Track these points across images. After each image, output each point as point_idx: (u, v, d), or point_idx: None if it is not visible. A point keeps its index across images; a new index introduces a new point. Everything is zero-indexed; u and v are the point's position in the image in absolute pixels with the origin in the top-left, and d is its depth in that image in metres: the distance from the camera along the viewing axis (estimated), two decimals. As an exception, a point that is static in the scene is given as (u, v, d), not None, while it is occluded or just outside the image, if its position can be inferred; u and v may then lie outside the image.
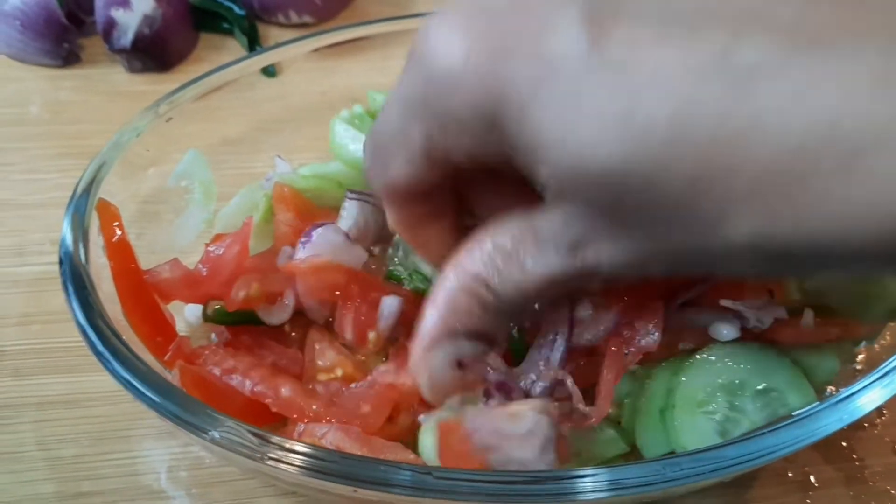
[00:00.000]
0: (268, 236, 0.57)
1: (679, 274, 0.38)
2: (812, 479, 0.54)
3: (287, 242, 0.53)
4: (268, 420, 0.46)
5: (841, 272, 0.32)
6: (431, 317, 0.38)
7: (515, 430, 0.39)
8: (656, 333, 0.43)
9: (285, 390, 0.44)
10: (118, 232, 0.50)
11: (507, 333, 0.42)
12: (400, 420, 0.46)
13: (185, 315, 0.54)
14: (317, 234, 0.50)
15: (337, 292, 0.49)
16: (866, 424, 0.57)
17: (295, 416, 0.44)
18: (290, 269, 0.49)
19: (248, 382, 0.45)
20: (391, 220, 0.44)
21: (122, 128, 0.57)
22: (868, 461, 0.55)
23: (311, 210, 0.57)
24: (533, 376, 0.43)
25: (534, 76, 0.31)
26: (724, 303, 0.45)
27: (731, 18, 0.28)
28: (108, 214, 0.50)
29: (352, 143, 0.58)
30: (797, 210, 0.27)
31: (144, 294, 0.50)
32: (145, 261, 0.57)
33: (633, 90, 0.29)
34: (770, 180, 0.27)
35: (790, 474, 0.54)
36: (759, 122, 0.27)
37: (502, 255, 0.36)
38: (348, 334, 0.48)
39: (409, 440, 0.45)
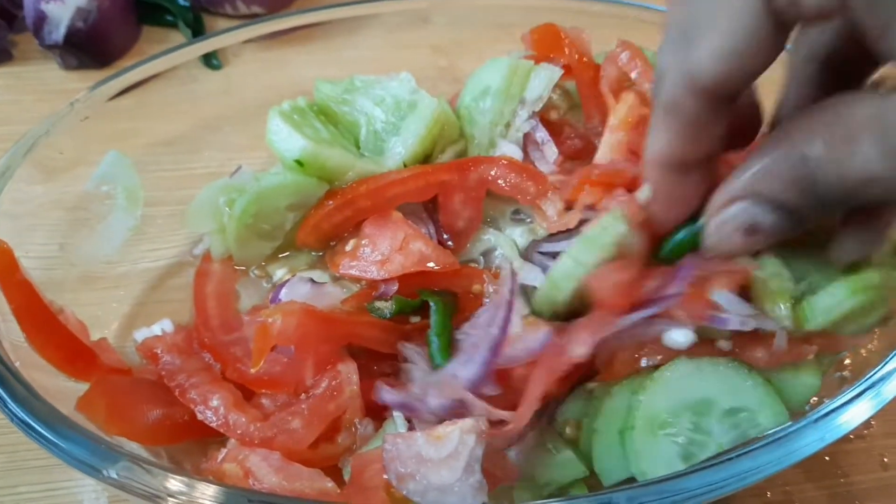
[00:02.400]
0: (247, 238, 0.54)
1: None
2: (794, 499, 0.49)
3: None
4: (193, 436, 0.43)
5: None
6: (743, 171, 0.36)
7: (436, 453, 0.36)
8: (585, 347, 0.39)
9: (216, 400, 0.41)
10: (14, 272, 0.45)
11: (806, 222, 0.37)
12: (339, 439, 0.42)
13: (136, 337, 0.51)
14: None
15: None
16: (852, 437, 0.53)
17: (219, 426, 0.41)
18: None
19: (183, 383, 0.42)
20: (657, 147, 0.38)
21: (32, 129, 0.52)
22: (854, 477, 0.51)
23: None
24: (434, 392, 0.40)
25: None
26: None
27: None
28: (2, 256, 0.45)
29: (286, 139, 0.53)
30: None
31: (53, 325, 0.45)
32: (66, 273, 0.53)
33: None
34: None
35: (769, 494, 0.49)
36: None
37: (842, 135, 0.32)
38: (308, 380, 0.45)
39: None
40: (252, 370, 0.43)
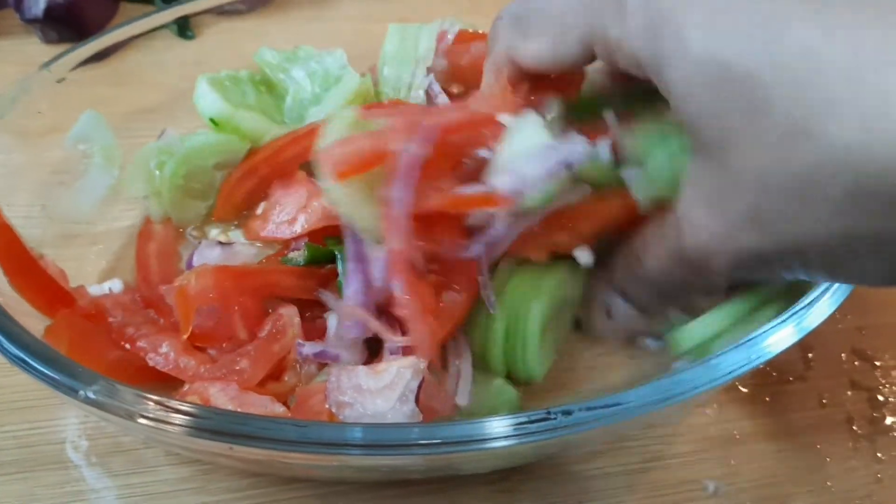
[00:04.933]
0: (181, 199, 0.56)
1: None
2: (735, 434, 0.52)
3: None
4: (151, 379, 0.44)
5: None
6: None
7: (375, 384, 0.39)
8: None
9: (165, 347, 0.43)
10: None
11: (651, 310, 0.47)
12: (285, 378, 0.44)
13: (90, 291, 0.52)
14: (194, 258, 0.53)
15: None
16: (791, 378, 0.56)
17: (170, 370, 0.43)
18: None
19: (132, 334, 0.43)
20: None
21: (7, 90, 0.54)
22: (794, 415, 0.54)
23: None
24: (335, 319, 0.45)
25: None
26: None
27: None
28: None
29: (207, 101, 0.57)
30: None
31: (32, 269, 0.47)
32: (46, 231, 0.55)
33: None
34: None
35: (711, 430, 0.52)
36: None
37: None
38: (241, 334, 0.47)
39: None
40: (183, 336, 0.45)
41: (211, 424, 0.36)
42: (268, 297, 0.48)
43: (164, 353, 0.44)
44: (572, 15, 0.41)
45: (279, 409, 0.42)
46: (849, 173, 0.30)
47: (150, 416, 0.37)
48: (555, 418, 0.37)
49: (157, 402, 0.37)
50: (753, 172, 0.34)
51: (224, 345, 0.45)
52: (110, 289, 0.53)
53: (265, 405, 0.41)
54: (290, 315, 0.46)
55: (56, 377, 0.38)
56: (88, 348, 0.43)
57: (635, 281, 0.45)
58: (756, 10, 0.33)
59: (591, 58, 0.42)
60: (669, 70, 0.36)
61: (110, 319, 0.47)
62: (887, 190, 0.29)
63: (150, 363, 0.44)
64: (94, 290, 0.52)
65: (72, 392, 0.38)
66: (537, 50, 0.43)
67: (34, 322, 0.44)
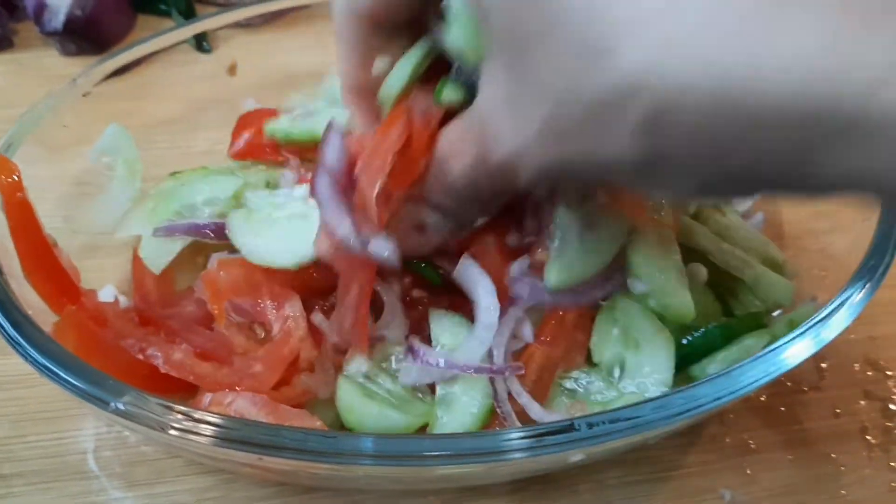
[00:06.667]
0: None
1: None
2: (751, 443, 0.53)
3: None
4: (158, 386, 0.44)
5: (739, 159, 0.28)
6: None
7: None
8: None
9: (178, 353, 0.44)
10: (17, 191, 0.47)
11: (462, 219, 0.44)
12: (295, 382, 0.45)
13: (101, 296, 0.53)
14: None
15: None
16: (806, 388, 0.56)
17: (186, 376, 0.44)
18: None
19: (142, 346, 0.44)
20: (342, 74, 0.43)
21: (35, 105, 0.55)
22: (808, 424, 0.54)
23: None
24: None
25: None
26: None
27: None
28: (7, 170, 0.48)
29: None
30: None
31: (46, 253, 0.48)
32: (68, 241, 0.56)
33: None
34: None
35: (728, 439, 0.53)
36: None
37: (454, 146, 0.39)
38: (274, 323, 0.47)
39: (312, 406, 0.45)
40: (221, 328, 0.46)
41: (240, 435, 0.37)
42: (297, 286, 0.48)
43: (178, 360, 0.44)
44: None
45: (317, 423, 0.42)
46: (646, 98, 0.27)
47: (180, 426, 0.38)
48: (578, 429, 0.38)
49: (184, 414, 0.38)
50: (549, 86, 0.30)
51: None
52: (116, 297, 0.53)
53: (303, 419, 0.42)
54: (295, 315, 0.46)
55: (87, 389, 0.39)
56: (94, 352, 0.43)
57: (444, 191, 0.41)
58: None
59: None
60: None
61: (111, 327, 0.47)
62: (685, 117, 0.27)
63: (163, 370, 0.44)
64: (106, 293, 0.52)
65: (103, 404, 0.38)
66: None
67: (41, 318, 0.45)
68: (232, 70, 0.68)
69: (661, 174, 0.31)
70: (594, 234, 0.46)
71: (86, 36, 0.79)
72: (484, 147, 0.37)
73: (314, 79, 0.66)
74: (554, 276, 0.45)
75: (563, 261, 0.46)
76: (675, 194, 0.36)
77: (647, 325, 0.47)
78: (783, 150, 0.27)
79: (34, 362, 0.40)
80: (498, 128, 0.35)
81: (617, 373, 0.48)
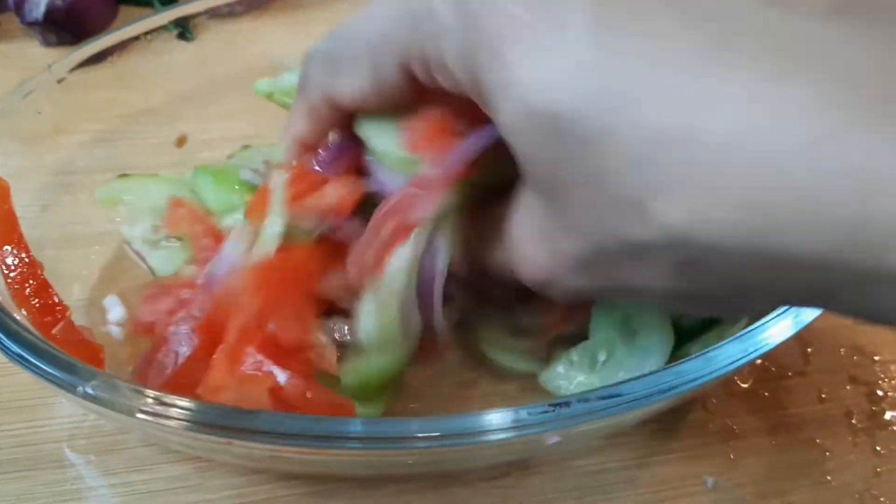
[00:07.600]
0: None
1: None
2: (735, 429, 0.52)
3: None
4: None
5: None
6: None
7: None
8: None
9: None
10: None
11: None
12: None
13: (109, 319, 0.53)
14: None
15: None
16: (791, 373, 0.56)
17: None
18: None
19: None
20: (297, 130, 0.45)
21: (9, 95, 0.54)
22: (793, 409, 0.54)
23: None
24: None
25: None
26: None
27: None
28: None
29: None
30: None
31: (29, 266, 0.47)
32: (47, 232, 0.56)
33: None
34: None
35: (711, 425, 0.52)
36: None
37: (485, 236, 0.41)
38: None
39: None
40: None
41: (209, 419, 0.36)
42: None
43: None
44: (385, 37, 0.37)
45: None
46: (677, 251, 0.29)
47: (149, 410, 0.37)
48: (553, 410, 0.37)
49: (154, 398, 0.37)
50: (584, 229, 0.32)
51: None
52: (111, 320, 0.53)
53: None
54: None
55: (54, 373, 0.38)
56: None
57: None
58: (595, 57, 0.29)
59: (418, 82, 0.38)
60: (494, 100, 0.32)
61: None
62: (710, 267, 0.29)
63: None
64: (110, 302, 0.53)
65: (70, 388, 0.38)
66: (355, 84, 0.40)
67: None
68: (181, 142, 0.67)
69: (692, 303, 0.34)
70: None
71: (67, 26, 0.78)
72: (513, 265, 0.38)
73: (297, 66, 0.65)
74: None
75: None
76: (707, 314, 0.39)
77: (651, 318, 0.47)
78: (806, 294, 0.30)
79: (1, 347, 0.39)
80: (527, 254, 0.37)
81: (602, 358, 0.48)
